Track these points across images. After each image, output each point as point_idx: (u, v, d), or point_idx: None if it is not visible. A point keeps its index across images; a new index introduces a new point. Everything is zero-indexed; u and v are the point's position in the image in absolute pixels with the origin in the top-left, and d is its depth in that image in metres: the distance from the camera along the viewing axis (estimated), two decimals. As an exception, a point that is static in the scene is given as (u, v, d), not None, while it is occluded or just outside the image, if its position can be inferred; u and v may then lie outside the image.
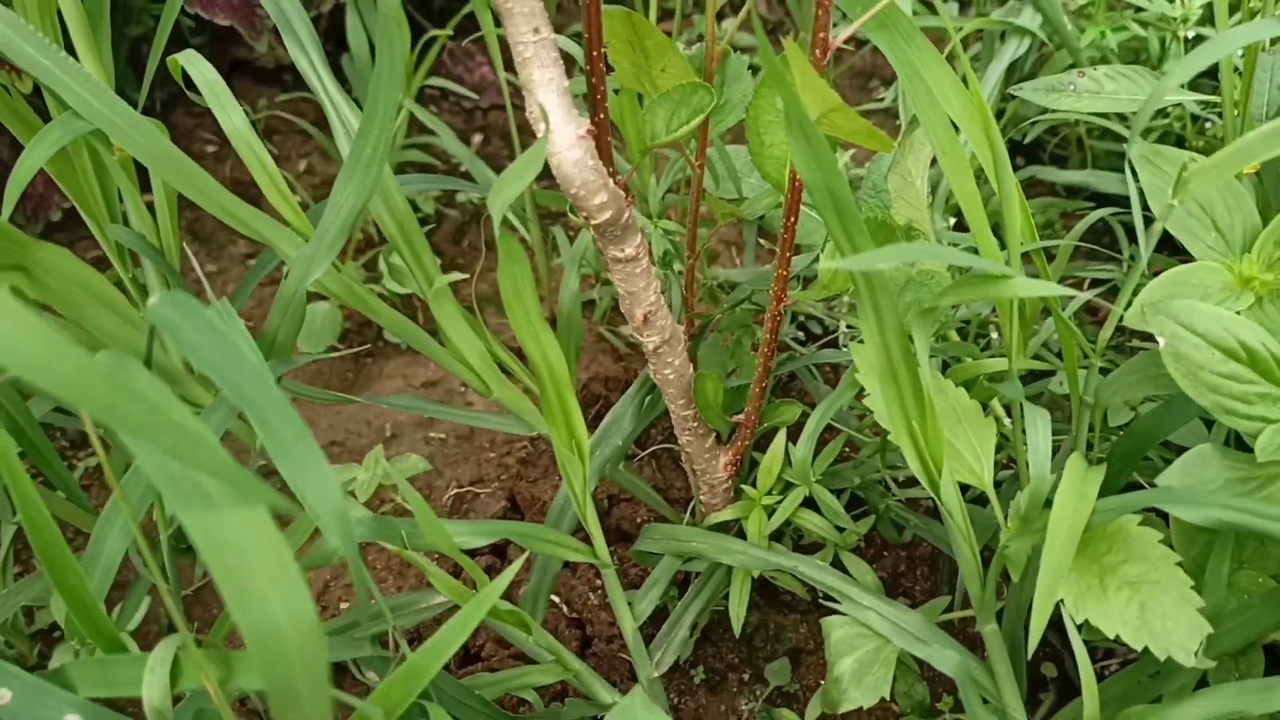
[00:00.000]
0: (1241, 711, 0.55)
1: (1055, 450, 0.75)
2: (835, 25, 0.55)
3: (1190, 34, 1.02)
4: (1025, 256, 0.63)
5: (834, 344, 1.10)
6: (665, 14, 1.56)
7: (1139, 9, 1.07)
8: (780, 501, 0.80)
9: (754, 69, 0.70)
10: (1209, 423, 0.71)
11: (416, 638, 0.90)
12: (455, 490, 1.05)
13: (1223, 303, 0.60)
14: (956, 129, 0.57)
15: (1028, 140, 1.31)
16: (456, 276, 0.65)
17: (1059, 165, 1.31)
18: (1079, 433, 0.70)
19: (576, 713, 0.78)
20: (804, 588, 0.88)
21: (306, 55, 0.67)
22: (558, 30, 0.52)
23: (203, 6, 1.26)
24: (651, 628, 0.83)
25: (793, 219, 0.63)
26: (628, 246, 0.62)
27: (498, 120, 1.60)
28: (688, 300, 0.84)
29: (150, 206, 0.76)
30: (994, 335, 0.98)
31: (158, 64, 0.73)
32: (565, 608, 0.92)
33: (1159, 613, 0.56)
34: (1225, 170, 0.56)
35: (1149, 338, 0.58)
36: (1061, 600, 0.56)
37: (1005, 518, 0.64)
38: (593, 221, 0.58)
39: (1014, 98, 1.19)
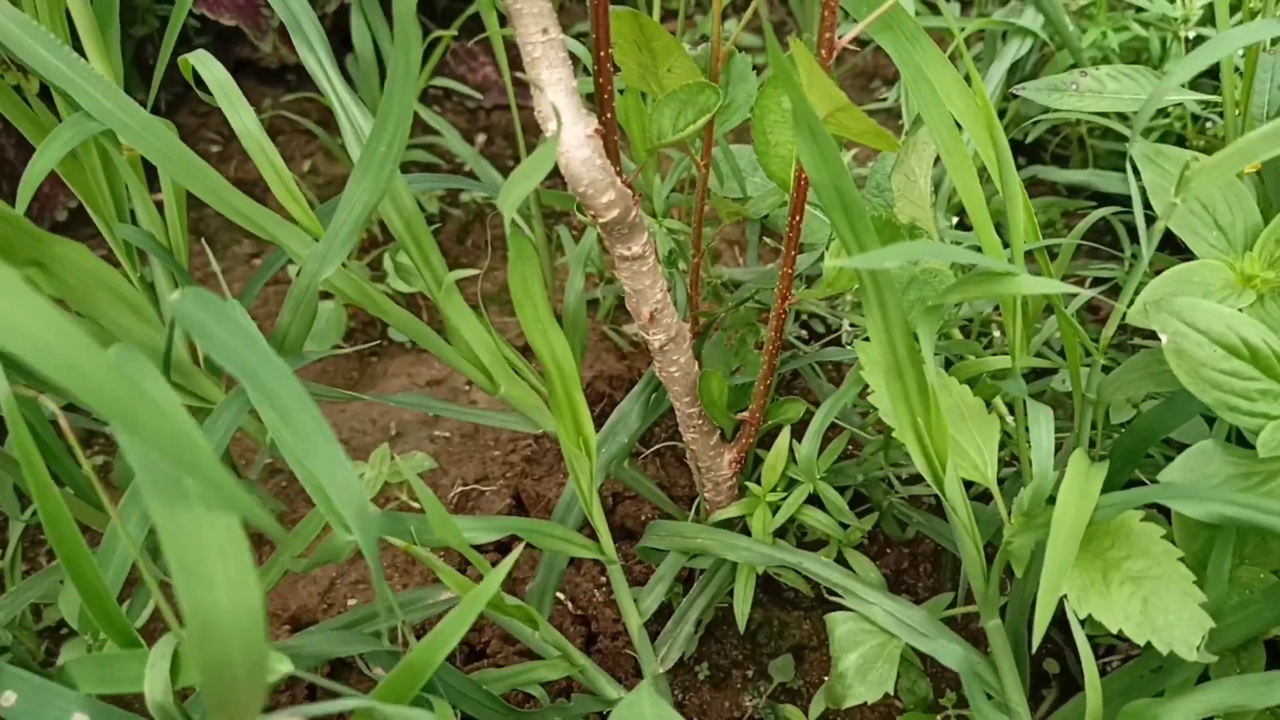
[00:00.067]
0: (1243, 705, 0.55)
1: (1058, 447, 0.76)
2: (839, 25, 0.55)
3: (1191, 34, 1.02)
4: (1028, 255, 0.63)
5: (837, 342, 1.10)
6: (667, 14, 1.56)
7: (1140, 9, 1.08)
8: (784, 498, 0.81)
9: (758, 69, 0.70)
10: (1210, 419, 0.71)
11: (423, 634, 0.91)
12: (460, 488, 1.05)
13: (1224, 300, 0.61)
14: (960, 128, 0.58)
15: (1030, 140, 1.31)
16: (467, 273, 0.65)
17: (1061, 164, 1.31)
18: (1081, 430, 0.70)
19: (582, 708, 0.78)
20: (808, 584, 0.88)
21: (316, 56, 0.68)
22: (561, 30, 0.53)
23: (208, 7, 1.27)
24: (656, 624, 0.83)
25: (798, 217, 0.64)
26: (634, 245, 0.63)
27: (501, 120, 1.61)
28: (693, 298, 0.84)
29: (157, 206, 0.77)
30: (996, 333, 0.99)
31: (166, 64, 0.74)
32: (570, 605, 0.92)
33: (1161, 608, 0.56)
34: (1226, 169, 0.56)
35: (1151, 335, 0.58)
36: (1065, 595, 0.57)
37: (1008, 514, 0.64)
38: (600, 220, 0.59)
39: (1016, 97, 1.19)
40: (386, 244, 1.35)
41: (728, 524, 0.83)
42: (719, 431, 0.81)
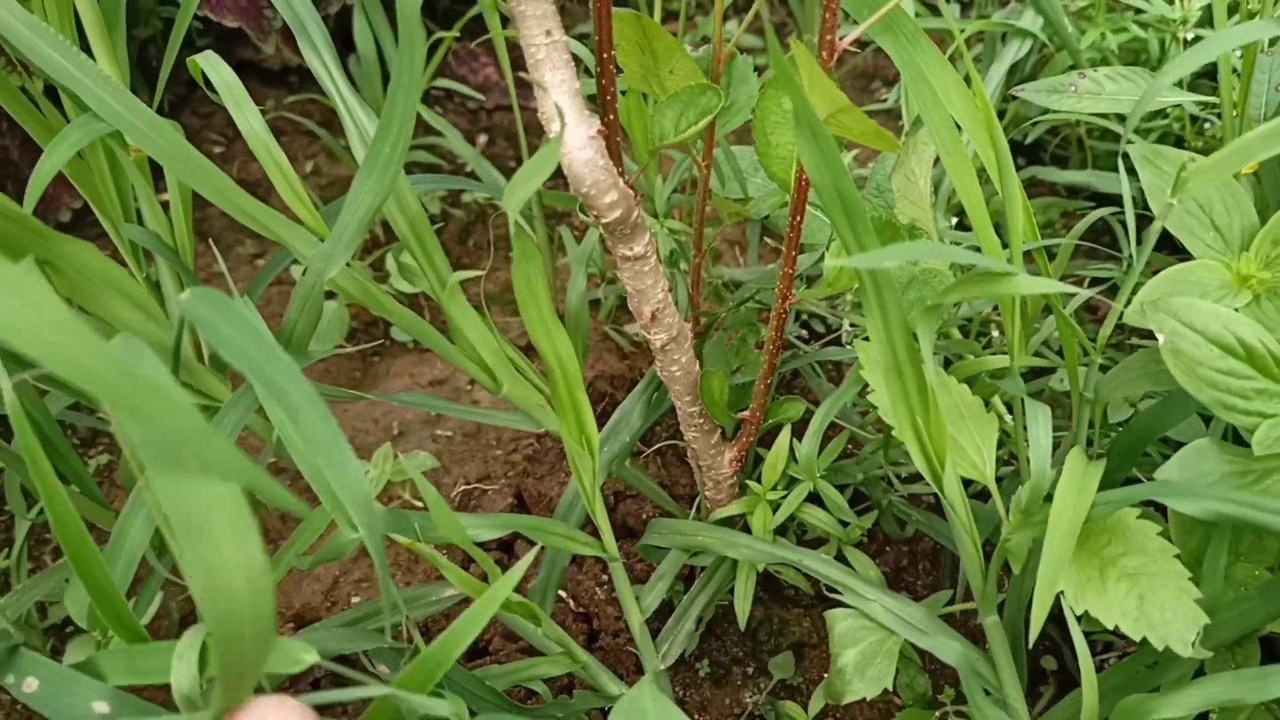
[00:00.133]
0: (1237, 700, 0.56)
1: (1056, 446, 0.76)
2: (840, 27, 0.56)
3: (1190, 35, 1.03)
4: (1027, 255, 0.64)
5: (837, 342, 1.11)
6: (669, 15, 1.57)
7: (1139, 11, 1.08)
8: (785, 497, 0.81)
9: (759, 70, 0.71)
10: (1207, 418, 0.72)
11: (425, 631, 0.91)
12: (463, 487, 1.06)
13: (1221, 300, 0.61)
14: (959, 129, 0.58)
15: (1029, 140, 1.32)
16: (470, 274, 0.66)
17: (1060, 165, 1.32)
18: (1079, 428, 0.71)
19: (584, 704, 0.79)
20: (807, 582, 0.89)
21: (320, 57, 0.68)
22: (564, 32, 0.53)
23: (211, 8, 1.28)
24: (657, 621, 0.84)
25: (799, 218, 0.64)
26: (636, 245, 0.63)
27: (503, 121, 1.61)
28: (694, 298, 0.85)
29: (162, 206, 0.77)
30: (995, 333, 0.99)
31: (172, 65, 0.75)
32: (572, 602, 0.93)
33: (1157, 604, 0.57)
34: (1223, 170, 0.57)
35: (1148, 335, 0.59)
36: (1062, 592, 0.57)
37: (1007, 512, 0.65)
38: (602, 220, 0.59)
39: (1015, 98, 1.20)
40: (388, 244, 1.36)
41: (728, 522, 0.84)
42: (720, 430, 0.82)
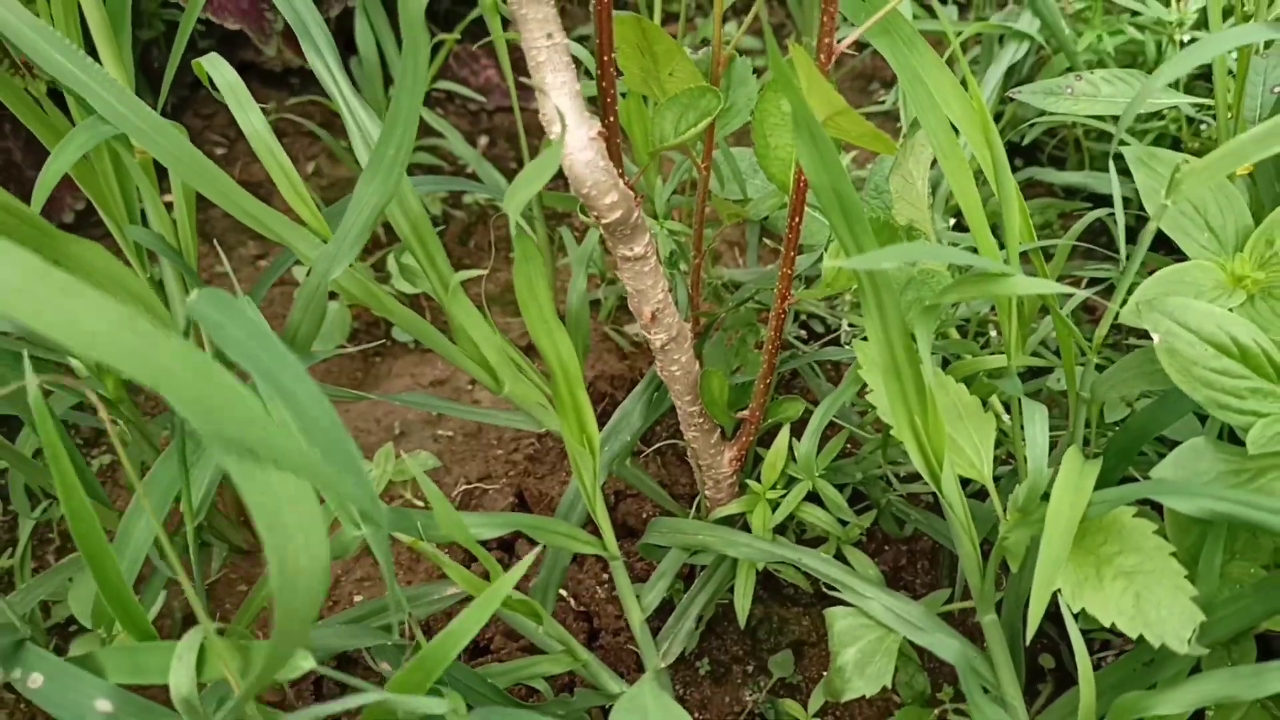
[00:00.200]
0: (1233, 697, 0.56)
1: (1053, 445, 0.77)
2: (838, 29, 0.57)
3: (1185, 38, 1.04)
4: (1024, 256, 0.64)
5: (835, 342, 1.11)
6: (668, 17, 1.58)
7: (1135, 13, 1.09)
8: (784, 496, 0.82)
9: (758, 72, 0.71)
10: (1202, 417, 0.72)
11: (427, 630, 0.92)
12: (464, 486, 1.06)
13: (1216, 300, 0.62)
14: (956, 131, 0.59)
15: (1026, 142, 1.32)
16: (472, 274, 0.66)
17: (1057, 166, 1.32)
18: (1076, 428, 0.71)
19: (585, 703, 0.79)
20: (807, 581, 0.89)
21: (323, 59, 0.69)
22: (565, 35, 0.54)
23: (213, 11, 1.28)
24: (658, 620, 0.84)
25: (797, 219, 0.65)
26: (636, 245, 0.64)
27: (503, 122, 1.62)
28: (694, 299, 0.85)
29: (166, 208, 0.78)
30: (993, 333, 1.00)
31: (176, 67, 0.75)
32: (573, 601, 0.93)
33: (1153, 602, 0.57)
34: (1218, 171, 0.57)
35: (1144, 335, 0.59)
36: (1059, 590, 0.58)
37: (1004, 510, 0.66)
38: (603, 221, 0.60)
39: (1012, 100, 1.21)
40: (389, 245, 1.37)
41: (728, 521, 0.84)
42: (719, 430, 0.82)
